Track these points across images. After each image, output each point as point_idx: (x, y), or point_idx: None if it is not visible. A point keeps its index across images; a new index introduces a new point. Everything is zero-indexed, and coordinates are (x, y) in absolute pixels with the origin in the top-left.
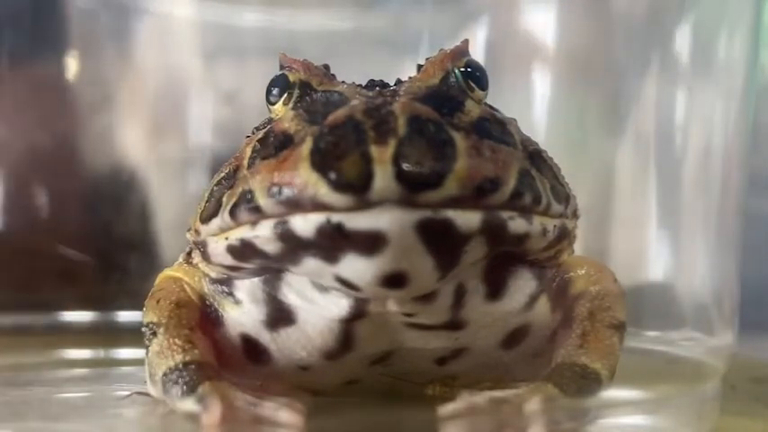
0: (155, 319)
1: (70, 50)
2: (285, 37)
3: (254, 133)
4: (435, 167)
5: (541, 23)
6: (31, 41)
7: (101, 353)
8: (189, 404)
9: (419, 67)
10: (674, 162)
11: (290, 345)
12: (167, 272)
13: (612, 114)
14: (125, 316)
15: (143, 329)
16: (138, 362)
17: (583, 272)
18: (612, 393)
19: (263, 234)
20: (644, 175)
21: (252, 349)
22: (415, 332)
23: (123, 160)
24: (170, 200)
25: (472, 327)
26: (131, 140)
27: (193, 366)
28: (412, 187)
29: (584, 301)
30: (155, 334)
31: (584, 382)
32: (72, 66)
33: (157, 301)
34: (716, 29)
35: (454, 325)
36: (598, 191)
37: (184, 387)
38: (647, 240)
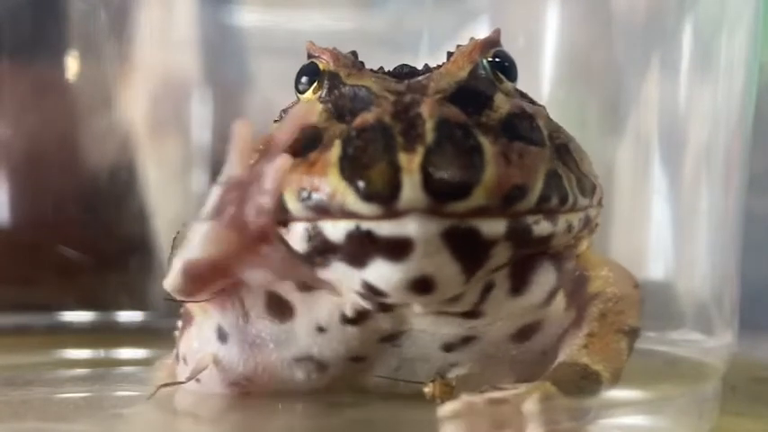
0: None
1: (70, 50)
2: (285, 37)
3: (281, 117)
4: (463, 177)
5: (541, 23)
6: (31, 41)
7: (101, 353)
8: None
9: (449, 54)
10: (675, 161)
11: (316, 306)
12: None
13: (613, 114)
14: (125, 316)
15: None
16: (138, 362)
17: (602, 273)
18: (612, 393)
19: (294, 235)
20: (644, 175)
21: (275, 304)
22: (430, 316)
23: (123, 160)
24: (170, 200)
25: (488, 318)
26: (131, 140)
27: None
28: (439, 197)
29: (597, 302)
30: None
31: (584, 382)
32: (72, 66)
33: None
34: (716, 28)
35: (472, 314)
36: None
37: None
38: (647, 240)
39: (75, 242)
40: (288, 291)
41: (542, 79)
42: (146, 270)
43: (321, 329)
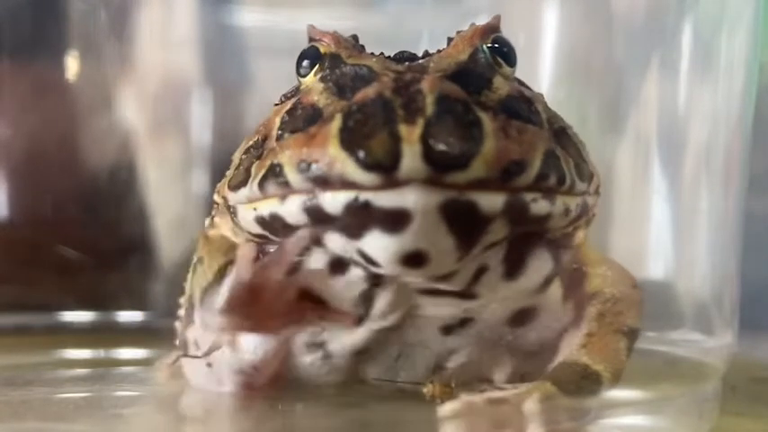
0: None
1: (70, 50)
2: (285, 37)
3: (281, 101)
4: (463, 149)
5: (541, 23)
6: (31, 41)
7: (101, 353)
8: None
9: (449, 40)
10: (675, 161)
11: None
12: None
13: (612, 113)
14: (125, 316)
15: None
16: (138, 362)
17: (601, 271)
18: (612, 393)
19: (291, 208)
20: (644, 175)
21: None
22: (425, 297)
23: (123, 160)
24: (170, 200)
25: (483, 299)
26: (131, 140)
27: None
28: (439, 168)
29: (595, 302)
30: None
31: (584, 382)
32: (72, 66)
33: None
34: (716, 28)
35: (466, 295)
36: None
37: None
38: (647, 239)
39: (75, 242)
40: None
41: (542, 79)
42: (146, 270)
43: None
